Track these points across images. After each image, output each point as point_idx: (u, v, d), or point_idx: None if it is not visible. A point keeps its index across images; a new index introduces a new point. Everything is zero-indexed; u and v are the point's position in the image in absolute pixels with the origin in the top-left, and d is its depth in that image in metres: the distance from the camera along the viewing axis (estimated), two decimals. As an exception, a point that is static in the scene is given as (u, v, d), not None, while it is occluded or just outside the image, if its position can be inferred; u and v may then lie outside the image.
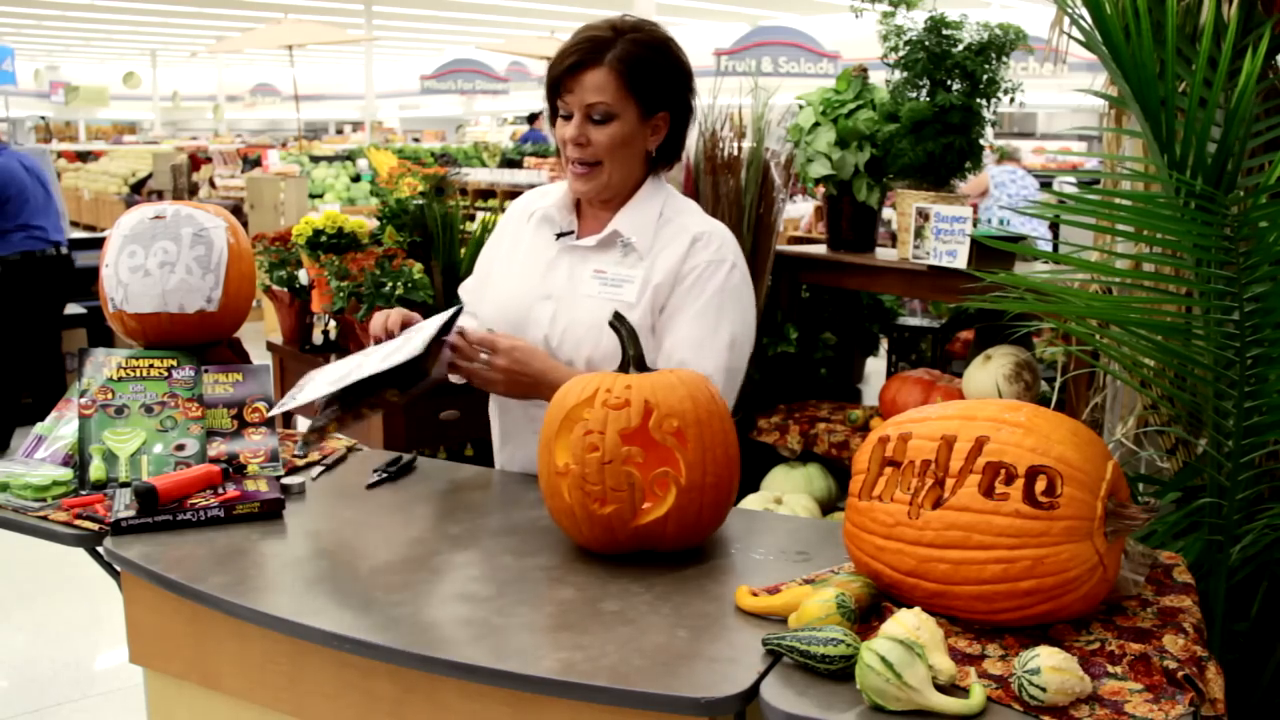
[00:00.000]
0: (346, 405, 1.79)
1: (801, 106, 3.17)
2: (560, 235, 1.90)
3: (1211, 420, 1.77)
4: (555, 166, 10.34)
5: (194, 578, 1.49)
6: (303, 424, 3.90)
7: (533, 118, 14.99)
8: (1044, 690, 1.13)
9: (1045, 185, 7.51)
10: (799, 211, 8.45)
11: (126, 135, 26.44)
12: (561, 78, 1.76)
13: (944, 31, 2.82)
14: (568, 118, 1.79)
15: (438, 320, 1.73)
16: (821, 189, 3.23)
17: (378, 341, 1.82)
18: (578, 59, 1.74)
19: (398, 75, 27.30)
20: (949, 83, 2.85)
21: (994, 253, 2.67)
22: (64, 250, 5.80)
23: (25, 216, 5.58)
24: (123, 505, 1.68)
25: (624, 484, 1.47)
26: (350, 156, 11.39)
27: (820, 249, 3.34)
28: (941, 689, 1.16)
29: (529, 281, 1.90)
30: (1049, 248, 3.06)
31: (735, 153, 3.16)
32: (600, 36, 1.75)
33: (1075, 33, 1.86)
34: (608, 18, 1.80)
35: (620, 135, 1.77)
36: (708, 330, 1.80)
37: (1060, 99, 16.17)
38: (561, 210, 1.91)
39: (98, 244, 6.66)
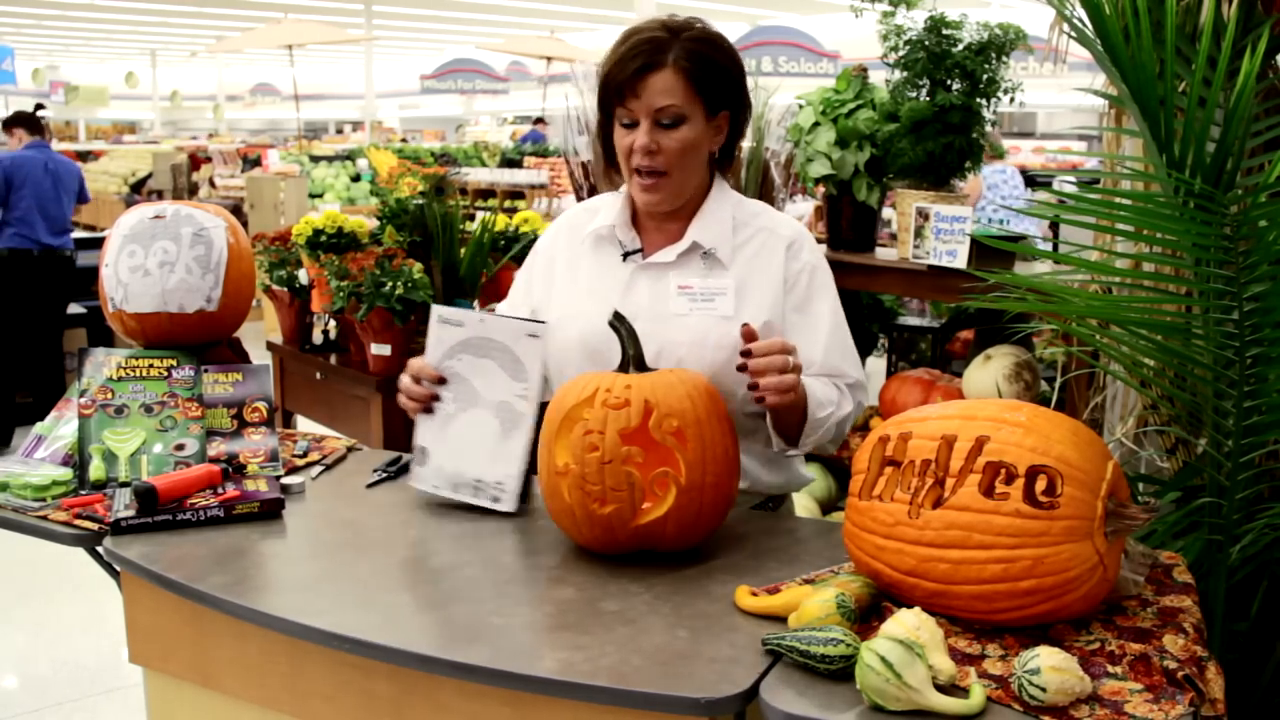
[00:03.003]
0: None
1: (801, 106, 3.17)
2: (628, 255, 1.79)
3: (1211, 420, 1.77)
4: (556, 166, 10.31)
5: (193, 577, 1.49)
6: (304, 424, 3.90)
7: (538, 120, 15.00)
8: (1044, 690, 1.13)
9: (1032, 183, 7.46)
10: (799, 211, 8.42)
11: (126, 135, 26.45)
12: (626, 83, 1.65)
13: (944, 31, 2.82)
14: (630, 125, 1.69)
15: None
16: (821, 189, 3.23)
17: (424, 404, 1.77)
18: (643, 62, 1.64)
19: (398, 75, 27.29)
20: (949, 83, 2.85)
21: (994, 253, 2.67)
22: (68, 252, 5.83)
23: (22, 213, 5.62)
24: (122, 505, 1.68)
25: (624, 484, 1.47)
26: (350, 156, 11.40)
27: (820, 249, 3.34)
28: (941, 689, 1.16)
29: (606, 306, 1.73)
30: (1046, 247, 3.05)
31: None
32: (657, 37, 1.66)
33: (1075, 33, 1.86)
34: (654, 17, 1.71)
35: (690, 139, 1.69)
36: (843, 337, 1.80)
37: (1060, 99, 16.15)
38: (622, 228, 1.80)
39: (98, 244, 6.67)
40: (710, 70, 1.68)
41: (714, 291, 1.74)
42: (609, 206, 1.84)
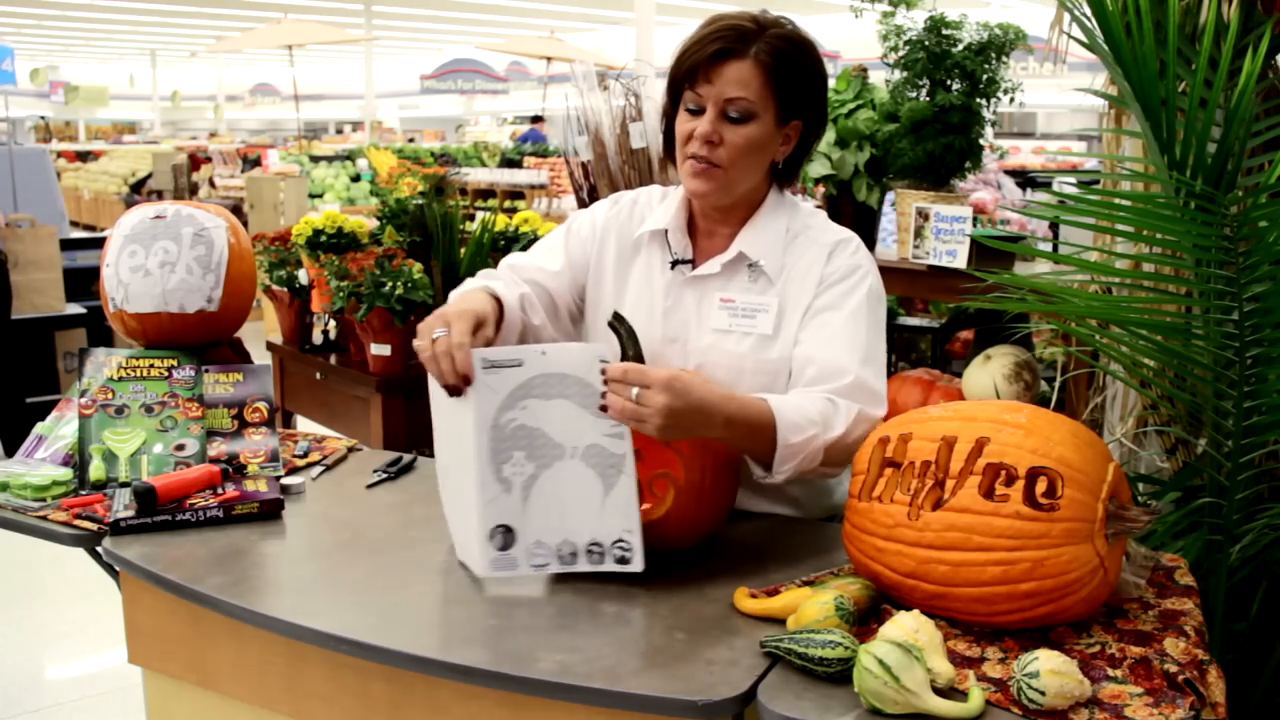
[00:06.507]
0: None
1: (801, 106, 3.17)
2: (676, 264, 1.71)
3: (1211, 420, 1.77)
4: (556, 166, 10.29)
5: (192, 578, 1.49)
6: (304, 423, 3.91)
7: (535, 119, 15.01)
8: (1043, 694, 1.12)
9: (1031, 183, 7.40)
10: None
11: (126, 135, 26.47)
12: (700, 66, 1.57)
13: (944, 31, 2.82)
14: (696, 111, 1.60)
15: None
16: (821, 189, 3.23)
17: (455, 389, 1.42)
18: (721, 46, 1.56)
19: (398, 75, 27.31)
20: (949, 83, 2.85)
21: (994, 253, 2.67)
22: None
23: None
24: (122, 505, 1.68)
25: (623, 485, 1.46)
26: (350, 156, 11.42)
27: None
28: (940, 692, 1.16)
29: (650, 320, 1.69)
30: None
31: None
32: (743, 26, 1.58)
33: (1075, 32, 1.86)
34: (743, 10, 1.61)
35: (755, 138, 1.60)
36: (853, 336, 1.63)
37: (1060, 99, 16.15)
38: (676, 234, 1.71)
39: (98, 244, 6.65)
40: (792, 72, 1.60)
41: (755, 308, 1.67)
42: (663, 205, 1.75)
